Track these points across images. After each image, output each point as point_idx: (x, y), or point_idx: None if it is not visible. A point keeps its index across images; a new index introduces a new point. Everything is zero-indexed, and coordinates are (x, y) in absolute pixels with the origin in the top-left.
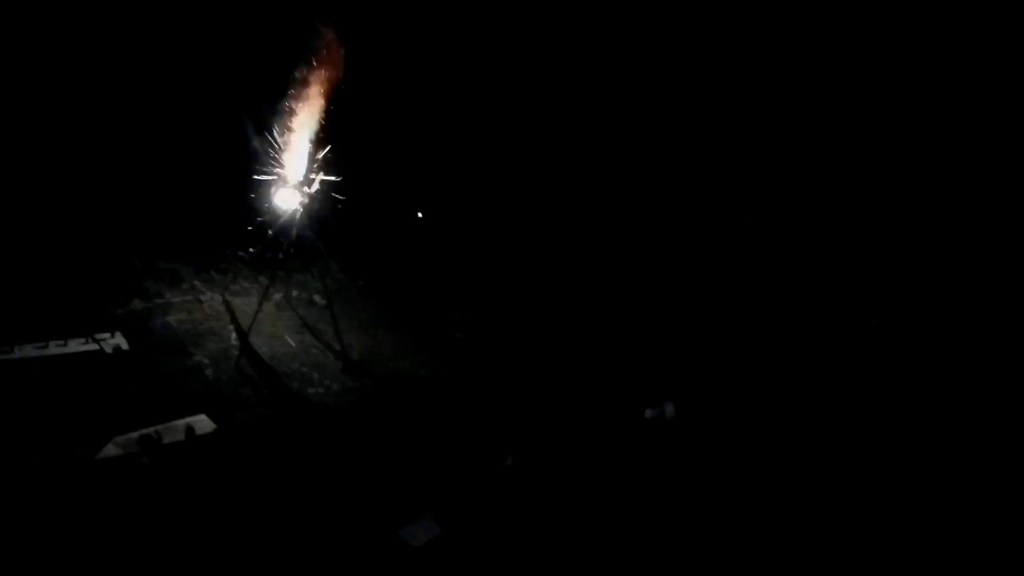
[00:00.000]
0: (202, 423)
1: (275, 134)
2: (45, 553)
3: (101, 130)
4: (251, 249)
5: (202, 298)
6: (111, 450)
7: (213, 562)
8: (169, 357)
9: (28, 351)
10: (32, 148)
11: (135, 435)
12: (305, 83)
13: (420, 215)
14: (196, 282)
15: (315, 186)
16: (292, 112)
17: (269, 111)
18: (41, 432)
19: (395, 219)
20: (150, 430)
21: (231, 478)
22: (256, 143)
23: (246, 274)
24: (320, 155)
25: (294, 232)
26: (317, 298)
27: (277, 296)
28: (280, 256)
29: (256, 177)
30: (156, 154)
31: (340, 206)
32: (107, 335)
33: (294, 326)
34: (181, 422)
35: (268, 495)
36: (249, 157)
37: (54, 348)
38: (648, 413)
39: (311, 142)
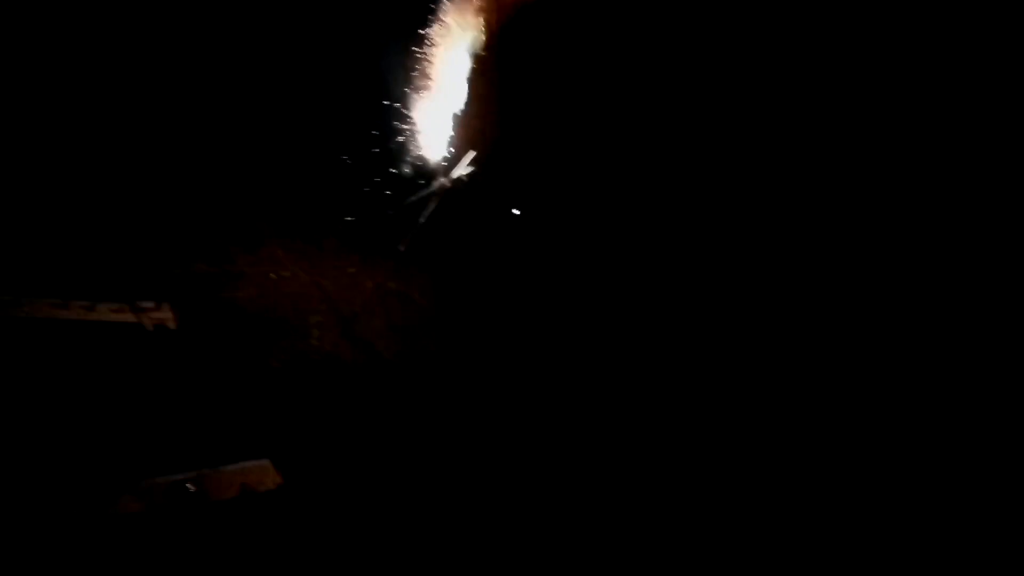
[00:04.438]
0: (263, 473)
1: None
2: None
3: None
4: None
5: (283, 273)
6: (128, 504)
7: None
8: (227, 350)
9: (41, 308)
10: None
11: (163, 481)
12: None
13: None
14: (279, 251)
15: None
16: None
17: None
18: (30, 448)
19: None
20: (188, 476)
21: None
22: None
23: (337, 249)
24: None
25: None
26: (419, 296)
27: (368, 284)
28: (399, 245)
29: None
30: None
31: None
32: (151, 304)
33: (385, 328)
34: (234, 468)
35: None
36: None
37: (77, 310)
38: None
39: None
